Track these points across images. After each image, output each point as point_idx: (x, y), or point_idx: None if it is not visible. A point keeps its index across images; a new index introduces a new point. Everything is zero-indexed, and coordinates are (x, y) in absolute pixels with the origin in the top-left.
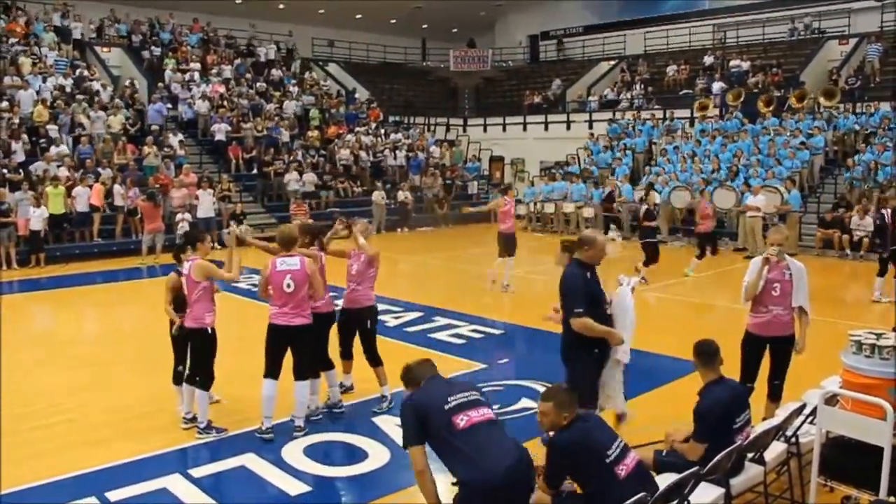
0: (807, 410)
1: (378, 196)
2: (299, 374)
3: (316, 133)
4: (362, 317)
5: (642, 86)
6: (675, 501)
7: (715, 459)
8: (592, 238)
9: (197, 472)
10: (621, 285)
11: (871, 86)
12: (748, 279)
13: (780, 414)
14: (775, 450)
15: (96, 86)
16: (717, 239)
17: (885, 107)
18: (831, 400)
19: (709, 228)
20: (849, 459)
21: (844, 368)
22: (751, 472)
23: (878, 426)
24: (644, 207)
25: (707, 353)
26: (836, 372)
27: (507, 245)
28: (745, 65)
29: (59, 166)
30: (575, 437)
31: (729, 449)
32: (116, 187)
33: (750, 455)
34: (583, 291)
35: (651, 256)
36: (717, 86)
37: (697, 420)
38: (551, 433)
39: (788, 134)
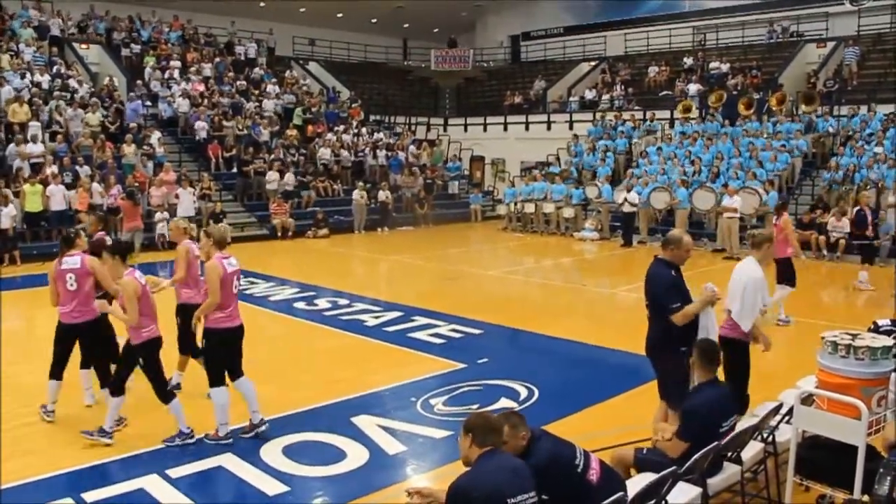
0: (783, 410)
1: (358, 195)
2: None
3: (295, 132)
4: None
5: (623, 87)
6: (653, 501)
7: (692, 459)
8: (678, 238)
9: (174, 473)
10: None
11: (849, 89)
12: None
13: (758, 413)
14: (752, 449)
15: (74, 83)
16: None
17: (863, 110)
18: (807, 400)
19: None
20: (824, 458)
21: (820, 368)
22: (728, 472)
23: (853, 425)
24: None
25: (710, 351)
26: (812, 372)
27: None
28: (725, 67)
29: (37, 164)
30: (547, 455)
31: (706, 449)
32: (95, 185)
33: (727, 454)
34: (673, 286)
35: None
36: (693, 87)
37: (684, 417)
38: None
39: (766, 137)
